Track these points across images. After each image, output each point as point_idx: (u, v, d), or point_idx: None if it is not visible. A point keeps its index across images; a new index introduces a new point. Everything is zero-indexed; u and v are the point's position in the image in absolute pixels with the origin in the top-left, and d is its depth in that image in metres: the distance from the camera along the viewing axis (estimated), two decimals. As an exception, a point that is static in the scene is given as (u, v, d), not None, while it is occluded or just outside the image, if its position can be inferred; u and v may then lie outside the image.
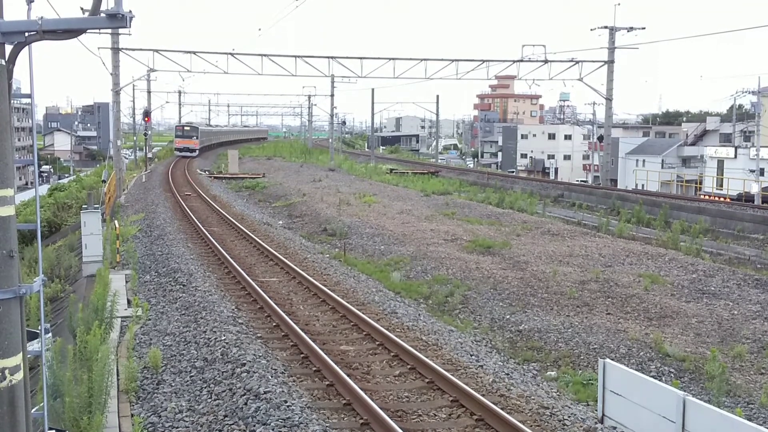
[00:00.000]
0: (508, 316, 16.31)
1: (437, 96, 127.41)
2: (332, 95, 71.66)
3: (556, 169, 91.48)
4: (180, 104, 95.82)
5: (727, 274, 19.76)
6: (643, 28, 45.17)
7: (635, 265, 21.18)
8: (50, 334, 12.13)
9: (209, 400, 10.90)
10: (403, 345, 13.04)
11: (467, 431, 9.89)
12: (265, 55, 44.68)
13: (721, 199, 42.68)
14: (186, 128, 78.21)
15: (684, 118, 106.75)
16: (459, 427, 9.99)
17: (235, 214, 33.00)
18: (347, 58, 47.08)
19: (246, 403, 10.46)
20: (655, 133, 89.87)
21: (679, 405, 9.12)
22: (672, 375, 12.94)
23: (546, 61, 45.71)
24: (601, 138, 54.24)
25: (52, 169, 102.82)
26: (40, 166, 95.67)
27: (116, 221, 24.84)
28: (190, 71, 44.52)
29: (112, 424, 10.02)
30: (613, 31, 45.09)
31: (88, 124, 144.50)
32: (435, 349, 13.56)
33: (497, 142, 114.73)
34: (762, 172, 51.44)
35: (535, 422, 10.17)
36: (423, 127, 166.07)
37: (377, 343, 13.70)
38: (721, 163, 60.92)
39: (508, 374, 12.47)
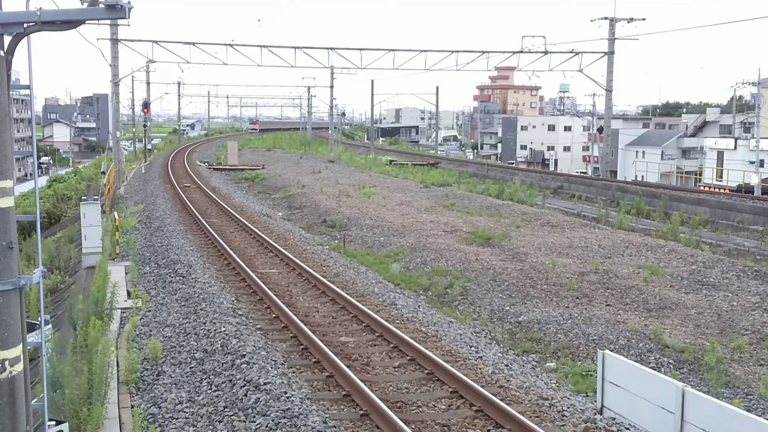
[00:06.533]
0: (507, 308, 16.33)
1: (437, 87, 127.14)
2: (332, 86, 71.49)
3: (556, 161, 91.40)
4: (179, 95, 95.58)
5: (726, 265, 19.77)
6: (643, 19, 45.06)
7: (635, 256, 21.19)
8: (50, 326, 12.16)
9: (209, 392, 10.93)
10: (402, 336, 13.06)
11: (467, 422, 9.91)
12: (264, 46, 44.54)
13: (721, 190, 42.67)
14: (253, 120, 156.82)
15: (684, 110, 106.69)
16: (458, 418, 10.01)
17: (235, 205, 33.00)
18: (347, 49, 46.95)
19: (246, 395, 10.49)
20: (655, 125, 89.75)
21: (678, 396, 9.15)
22: (671, 366, 12.97)
23: (546, 52, 45.61)
24: (600, 129, 54.16)
25: (51, 161, 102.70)
26: (39, 157, 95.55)
27: (116, 213, 24.85)
28: (189, 62, 44.37)
29: (112, 415, 10.04)
30: (613, 22, 44.99)
31: (88, 116, 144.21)
32: (434, 340, 13.59)
33: (497, 133, 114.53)
34: (762, 163, 51.40)
35: (534, 413, 10.20)
36: (423, 119, 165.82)
37: (377, 334, 13.72)
38: (720, 154, 60.87)
39: (507, 365, 12.50)
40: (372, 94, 79.39)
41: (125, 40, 40.62)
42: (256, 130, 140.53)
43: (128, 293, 16.94)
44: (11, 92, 5.24)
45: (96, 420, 9.35)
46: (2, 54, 5.00)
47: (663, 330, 14.43)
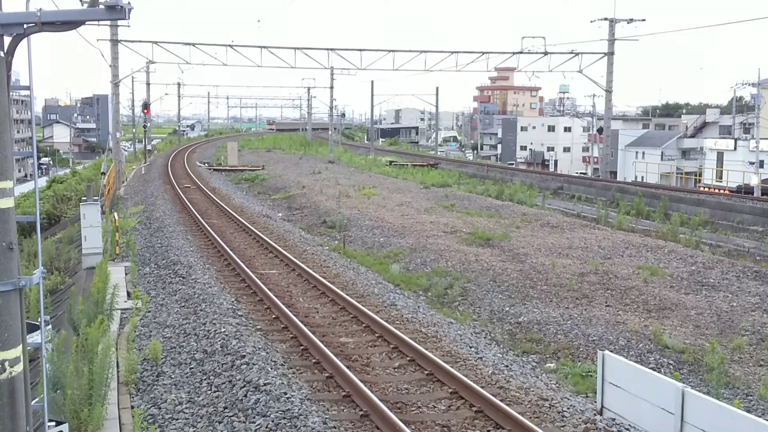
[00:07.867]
0: (507, 308, 16.33)
1: (437, 88, 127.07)
2: (332, 87, 71.57)
3: (556, 161, 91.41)
4: (179, 96, 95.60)
5: (726, 266, 19.77)
6: (643, 20, 45.07)
7: (634, 257, 21.19)
8: (50, 327, 12.16)
9: (209, 392, 10.92)
10: (402, 337, 13.06)
11: (467, 423, 9.91)
12: (264, 47, 44.55)
13: (721, 191, 42.68)
14: (270, 121, 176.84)
15: (684, 110, 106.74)
16: (458, 419, 10.01)
17: (235, 206, 33.00)
18: (347, 50, 46.94)
19: (246, 395, 10.48)
20: (655, 125, 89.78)
21: (678, 397, 9.14)
22: (671, 367, 12.96)
23: (546, 53, 45.63)
24: (600, 130, 54.17)
25: (51, 162, 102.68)
26: (39, 158, 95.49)
27: (116, 213, 24.84)
28: (189, 63, 44.36)
29: (112, 416, 10.05)
30: (612, 22, 45.01)
31: (88, 116, 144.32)
32: (434, 341, 13.58)
33: (497, 134, 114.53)
34: (761, 164, 51.37)
35: (534, 414, 10.20)
36: (422, 119, 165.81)
37: (377, 335, 13.72)
38: (720, 155, 60.88)
39: (507, 366, 12.50)
40: (372, 95, 79.46)
41: (125, 40, 40.66)
42: (273, 130, 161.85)
43: (128, 294, 16.94)
44: (11, 93, 5.24)
45: (96, 421, 9.35)
46: (2, 55, 5.00)
47: (663, 330, 14.43)
